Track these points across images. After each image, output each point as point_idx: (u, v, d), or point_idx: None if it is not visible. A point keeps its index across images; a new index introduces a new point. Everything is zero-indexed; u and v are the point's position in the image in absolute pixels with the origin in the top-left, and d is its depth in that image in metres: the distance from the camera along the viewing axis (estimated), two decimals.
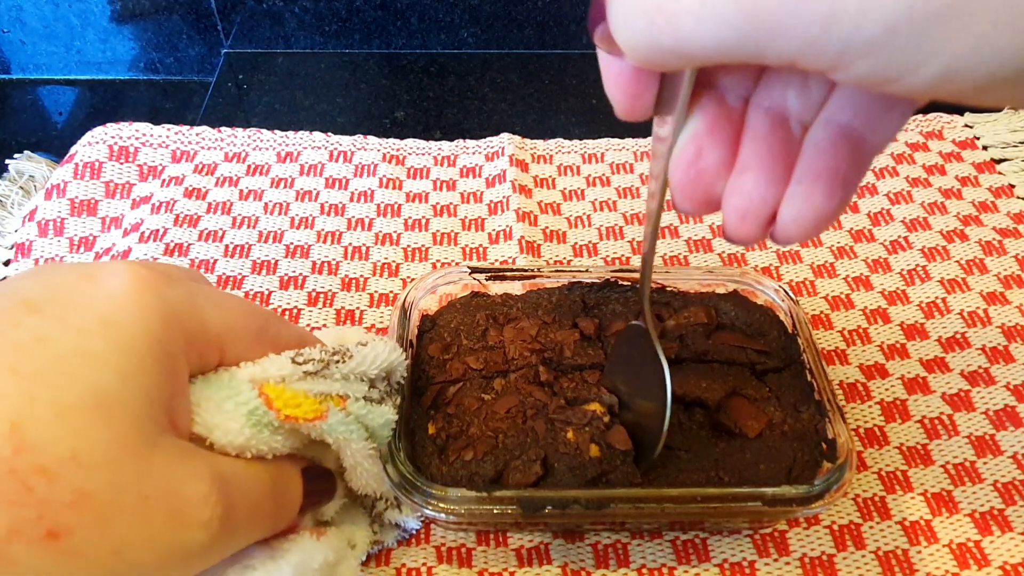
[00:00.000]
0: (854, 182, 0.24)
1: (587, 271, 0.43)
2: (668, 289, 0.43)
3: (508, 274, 0.43)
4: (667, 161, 0.26)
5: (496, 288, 0.43)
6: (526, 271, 0.43)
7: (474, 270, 0.43)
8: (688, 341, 0.40)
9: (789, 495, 0.33)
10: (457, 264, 0.50)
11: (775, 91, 0.25)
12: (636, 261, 0.51)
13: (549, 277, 0.43)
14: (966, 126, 0.59)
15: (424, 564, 0.36)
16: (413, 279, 0.49)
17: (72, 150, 0.56)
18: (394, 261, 0.51)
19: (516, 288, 0.43)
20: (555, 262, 0.51)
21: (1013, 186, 0.55)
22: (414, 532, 0.37)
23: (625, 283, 0.43)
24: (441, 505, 0.33)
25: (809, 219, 0.24)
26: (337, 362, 0.31)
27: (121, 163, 0.55)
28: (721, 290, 0.43)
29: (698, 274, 0.43)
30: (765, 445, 0.36)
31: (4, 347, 0.23)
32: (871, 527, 0.37)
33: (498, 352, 0.39)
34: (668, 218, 0.54)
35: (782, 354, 0.40)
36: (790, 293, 0.41)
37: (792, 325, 0.40)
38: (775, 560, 0.36)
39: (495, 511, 0.33)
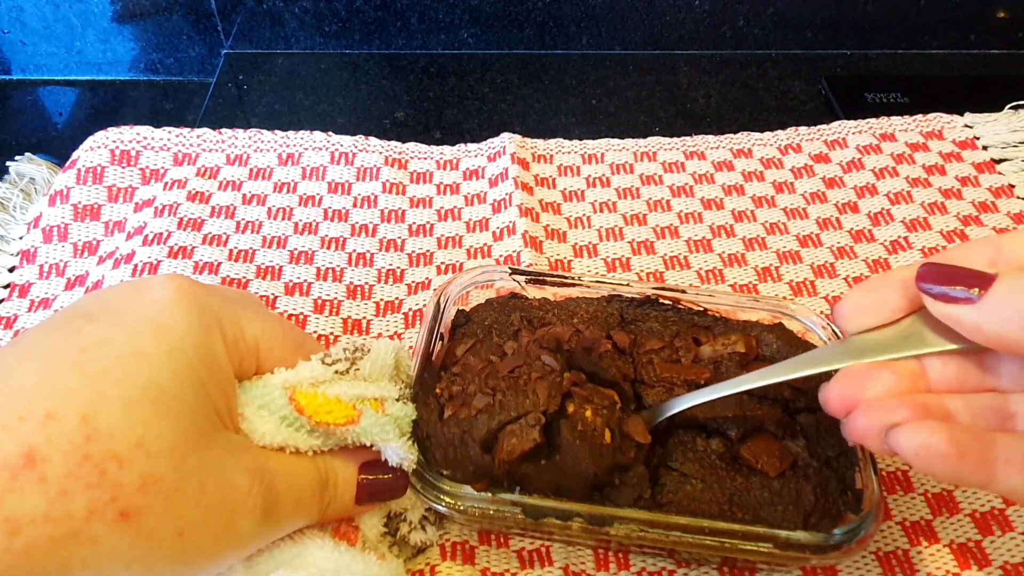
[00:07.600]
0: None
1: (628, 285, 0.42)
2: (710, 313, 0.42)
3: (548, 279, 0.42)
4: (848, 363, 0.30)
5: (534, 293, 0.43)
6: (567, 278, 0.42)
7: (514, 271, 0.42)
8: (723, 369, 0.38)
9: (803, 541, 0.31)
10: (463, 258, 0.50)
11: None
12: (636, 263, 0.51)
13: (590, 287, 0.42)
14: (966, 126, 0.60)
15: (427, 564, 0.36)
16: (418, 283, 0.50)
17: (74, 155, 0.56)
18: (399, 267, 0.51)
19: (555, 295, 0.43)
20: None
21: (1013, 186, 0.55)
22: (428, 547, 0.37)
23: (666, 301, 0.42)
24: (445, 499, 0.33)
25: (913, 455, 0.27)
26: (360, 357, 0.32)
27: (123, 167, 0.55)
28: (767, 319, 0.41)
29: (745, 300, 0.42)
30: (785, 486, 0.34)
31: (69, 350, 0.25)
32: None
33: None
34: (668, 218, 0.54)
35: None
36: (837, 331, 0.39)
37: None
38: None
39: (492, 511, 0.33)
